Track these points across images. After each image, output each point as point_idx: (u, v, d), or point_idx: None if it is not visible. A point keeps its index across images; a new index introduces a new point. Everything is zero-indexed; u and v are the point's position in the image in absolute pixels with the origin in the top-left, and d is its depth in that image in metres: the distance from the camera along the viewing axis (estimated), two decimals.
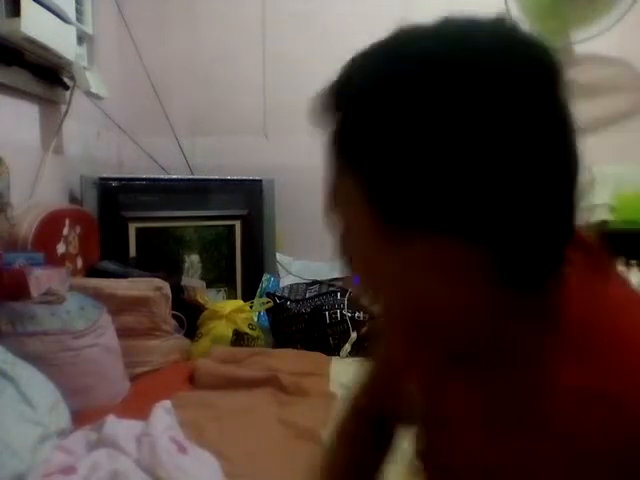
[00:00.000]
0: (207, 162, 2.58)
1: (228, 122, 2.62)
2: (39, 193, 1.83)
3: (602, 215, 2.18)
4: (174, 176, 2.36)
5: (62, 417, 1.13)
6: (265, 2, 2.57)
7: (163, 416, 1.12)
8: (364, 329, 1.80)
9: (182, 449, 1.04)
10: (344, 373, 1.61)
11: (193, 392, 1.51)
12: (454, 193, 0.39)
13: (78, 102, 2.06)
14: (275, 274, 2.40)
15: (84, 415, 1.19)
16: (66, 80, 1.97)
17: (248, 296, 2.22)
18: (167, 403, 1.16)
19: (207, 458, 1.08)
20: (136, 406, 1.20)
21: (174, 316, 1.78)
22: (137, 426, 1.07)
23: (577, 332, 0.43)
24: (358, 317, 1.82)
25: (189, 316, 1.86)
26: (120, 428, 1.05)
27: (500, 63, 0.40)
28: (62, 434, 1.09)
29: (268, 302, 1.97)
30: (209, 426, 1.25)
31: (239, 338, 1.88)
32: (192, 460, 1.03)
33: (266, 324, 2.04)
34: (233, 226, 2.32)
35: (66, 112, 2.01)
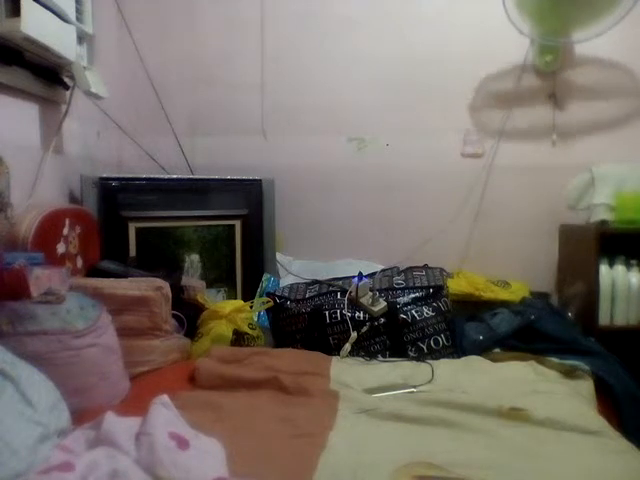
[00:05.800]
0: (207, 162, 2.58)
1: (228, 122, 2.62)
2: (39, 193, 1.83)
3: (602, 215, 2.18)
4: (174, 176, 2.36)
5: (62, 417, 1.13)
6: (264, 2, 2.57)
7: (161, 411, 1.11)
8: (364, 329, 1.80)
9: (183, 443, 1.03)
10: (344, 373, 1.61)
11: (193, 392, 1.50)
12: None
13: (78, 102, 2.06)
14: (275, 274, 2.40)
15: (84, 415, 1.19)
16: (66, 80, 1.97)
17: (248, 296, 2.22)
18: (164, 397, 1.15)
19: (212, 447, 1.07)
20: (136, 406, 1.20)
21: (174, 316, 1.78)
22: (136, 424, 1.07)
23: None
24: (358, 317, 1.82)
25: (189, 316, 1.86)
26: (118, 426, 1.05)
27: None
28: (62, 434, 1.09)
29: (268, 302, 1.97)
30: (209, 426, 1.24)
31: (239, 338, 1.88)
32: (193, 455, 1.02)
33: (266, 324, 2.04)
34: (233, 226, 2.32)
35: (66, 112, 2.01)
